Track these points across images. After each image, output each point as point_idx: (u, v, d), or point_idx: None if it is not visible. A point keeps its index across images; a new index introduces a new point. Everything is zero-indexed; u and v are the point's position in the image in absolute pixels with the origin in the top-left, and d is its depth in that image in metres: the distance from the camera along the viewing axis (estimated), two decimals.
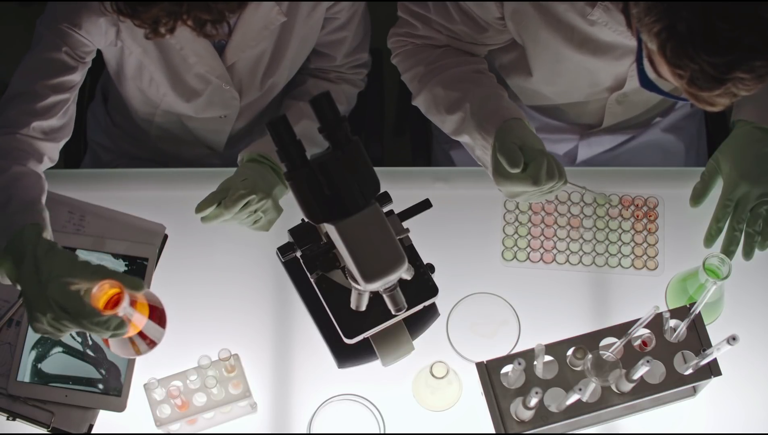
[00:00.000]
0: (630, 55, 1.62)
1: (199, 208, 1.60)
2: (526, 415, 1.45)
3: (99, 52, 1.70)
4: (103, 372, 1.63)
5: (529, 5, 1.59)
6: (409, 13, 1.72)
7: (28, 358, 1.62)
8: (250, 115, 1.88)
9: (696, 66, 1.24)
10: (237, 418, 1.63)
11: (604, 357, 1.45)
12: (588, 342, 1.49)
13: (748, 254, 1.67)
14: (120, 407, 1.61)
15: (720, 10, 1.22)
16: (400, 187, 1.52)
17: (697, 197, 1.72)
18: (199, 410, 1.57)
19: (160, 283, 1.70)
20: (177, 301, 1.69)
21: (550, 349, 1.49)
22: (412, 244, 1.52)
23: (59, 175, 1.80)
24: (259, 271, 1.71)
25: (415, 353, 1.55)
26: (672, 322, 1.50)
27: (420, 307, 1.49)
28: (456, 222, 1.74)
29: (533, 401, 1.39)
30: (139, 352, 1.48)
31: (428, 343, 1.60)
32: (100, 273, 1.40)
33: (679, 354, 1.49)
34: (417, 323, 1.56)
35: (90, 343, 1.65)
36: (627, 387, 1.47)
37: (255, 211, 1.64)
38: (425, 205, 1.49)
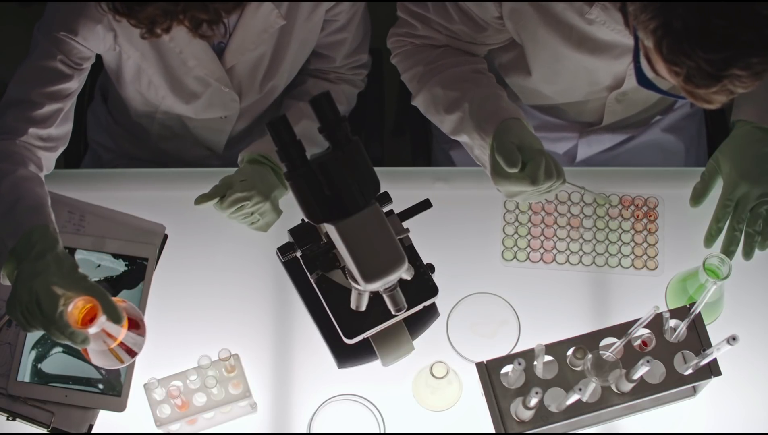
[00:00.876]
0: (628, 54, 1.62)
1: (198, 201, 1.61)
2: (526, 415, 1.45)
3: (98, 55, 1.70)
4: (103, 372, 1.63)
5: (528, 4, 1.59)
6: (409, 13, 1.72)
7: (28, 358, 1.62)
8: (250, 117, 1.89)
9: (692, 63, 1.24)
10: (237, 418, 1.63)
11: (604, 357, 1.45)
12: (588, 342, 1.49)
13: (748, 254, 1.67)
14: (120, 407, 1.61)
15: (716, 7, 1.21)
16: (400, 187, 1.52)
17: (697, 197, 1.72)
18: (199, 410, 1.57)
19: (160, 283, 1.70)
20: (177, 301, 1.69)
21: (550, 349, 1.49)
22: (412, 244, 1.52)
23: (59, 175, 1.80)
24: (259, 271, 1.71)
25: (415, 353, 1.55)
26: (672, 322, 1.50)
27: (420, 307, 1.49)
28: (456, 222, 1.74)
29: (533, 401, 1.39)
30: (122, 362, 1.50)
31: (428, 343, 1.60)
32: (91, 291, 1.42)
33: (679, 354, 1.49)
34: (417, 323, 1.56)
35: None
36: (627, 387, 1.47)
37: (252, 214, 1.64)
38: (425, 205, 1.49)
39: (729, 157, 1.69)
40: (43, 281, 1.41)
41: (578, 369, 1.49)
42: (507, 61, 1.81)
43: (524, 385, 1.48)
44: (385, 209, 1.44)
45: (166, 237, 1.73)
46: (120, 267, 1.70)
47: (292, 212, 1.55)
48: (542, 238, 1.74)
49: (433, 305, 1.57)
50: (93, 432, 1.62)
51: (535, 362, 1.47)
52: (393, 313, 1.40)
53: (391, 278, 1.34)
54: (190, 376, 1.56)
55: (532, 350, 1.48)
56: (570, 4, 1.56)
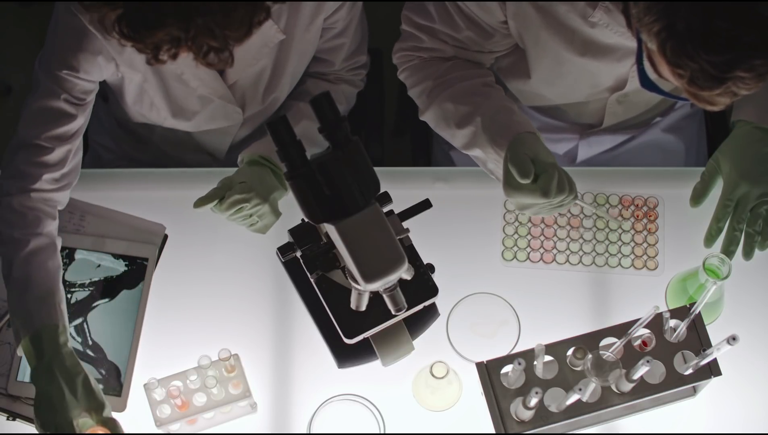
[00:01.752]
0: (631, 57, 1.62)
1: (197, 204, 1.61)
2: (526, 415, 1.45)
3: None
4: (103, 372, 1.63)
5: (531, 7, 1.59)
6: (414, 26, 1.70)
7: None
8: (253, 125, 1.88)
9: (696, 65, 1.24)
10: (237, 418, 1.63)
11: (604, 357, 1.45)
12: (588, 342, 1.49)
13: (748, 254, 1.67)
14: (120, 407, 1.61)
15: (719, 9, 1.21)
16: (400, 187, 1.52)
17: (697, 197, 1.72)
18: (199, 410, 1.57)
19: (160, 283, 1.70)
20: (177, 301, 1.69)
21: (550, 349, 1.49)
22: (412, 244, 1.52)
23: None
24: (259, 271, 1.71)
25: (415, 353, 1.55)
26: (672, 322, 1.50)
27: (420, 307, 1.49)
28: (456, 222, 1.74)
29: (533, 401, 1.39)
30: None
31: (428, 343, 1.60)
32: (105, 421, 1.50)
33: (679, 354, 1.49)
34: (417, 323, 1.56)
35: (90, 343, 1.65)
36: (627, 387, 1.47)
37: (251, 216, 1.64)
38: (425, 205, 1.49)
39: (729, 157, 1.69)
40: (62, 415, 1.48)
41: (578, 369, 1.49)
42: (506, 65, 1.81)
43: (524, 385, 1.48)
44: (385, 209, 1.44)
45: (166, 237, 1.73)
46: (120, 267, 1.70)
47: (292, 212, 1.55)
48: (542, 237, 1.74)
49: (433, 305, 1.57)
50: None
51: (535, 362, 1.47)
52: (393, 313, 1.40)
53: (391, 278, 1.34)
54: (190, 376, 1.56)
55: (532, 350, 1.48)
56: (573, 7, 1.56)
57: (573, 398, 1.39)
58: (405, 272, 1.36)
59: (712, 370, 1.48)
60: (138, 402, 1.61)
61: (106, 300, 1.68)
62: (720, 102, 1.30)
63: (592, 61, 1.64)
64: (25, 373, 1.62)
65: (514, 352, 1.59)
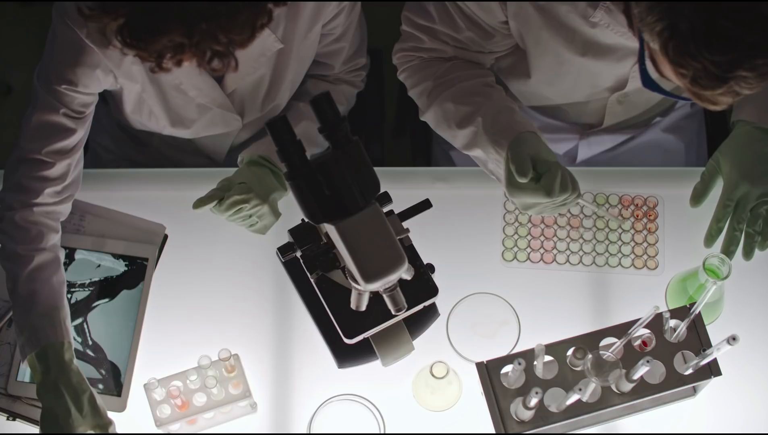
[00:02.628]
0: (632, 57, 1.62)
1: (196, 205, 1.61)
2: (526, 415, 1.45)
3: None
4: (103, 372, 1.63)
5: (531, 7, 1.59)
6: (414, 27, 1.70)
7: None
8: (252, 129, 1.88)
9: (698, 64, 1.24)
10: (237, 418, 1.63)
11: (604, 357, 1.45)
12: (588, 342, 1.49)
13: (748, 254, 1.67)
14: (120, 407, 1.62)
15: (722, 8, 1.21)
16: (400, 187, 1.52)
17: (698, 197, 1.72)
18: (199, 410, 1.57)
19: (160, 283, 1.70)
20: (177, 301, 1.69)
21: (550, 349, 1.49)
22: (412, 244, 1.52)
23: None
24: (259, 271, 1.71)
25: (415, 353, 1.55)
26: (672, 322, 1.50)
27: (420, 307, 1.49)
28: (456, 222, 1.74)
29: (533, 401, 1.39)
30: None
31: (428, 343, 1.60)
32: (105, 429, 1.52)
33: (679, 354, 1.49)
34: (417, 323, 1.56)
35: (90, 343, 1.65)
36: (627, 387, 1.47)
37: (250, 216, 1.64)
38: (425, 205, 1.49)
39: (729, 157, 1.69)
40: (68, 431, 1.50)
41: (578, 369, 1.49)
42: (506, 66, 1.80)
43: (524, 385, 1.48)
44: (385, 209, 1.44)
45: (166, 237, 1.73)
46: (120, 267, 1.70)
47: (292, 212, 1.55)
48: (542, 238, 1.74)
49: (433, 305, 1.57)
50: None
51: (535, 362, 1.47)
52: (393, 313, 1.40)
53: (391, 278, 1.34)
54: (190, 376, 1.56)
55: (532, 350, 1.48)
56: (574, 7, 1.56)
57: (573, 398, 1.39)
58: (405, 272, 1.36)
59: (712, 370, 1.48)
60: (138, 402, 1.61)
61: (106, 300, 1.68)
62: (722, 101, 1.30)
63: (592, 61, 1.64)
64: (25, 373, 1.62)
65: (514, 352, 1.59)
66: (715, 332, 1.53)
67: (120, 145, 1.98)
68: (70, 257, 1.69)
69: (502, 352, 1.56)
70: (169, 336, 1.67)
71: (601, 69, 1.67)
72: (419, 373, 1.61)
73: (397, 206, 1.47)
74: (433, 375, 1.51)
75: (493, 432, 1.48)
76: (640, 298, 1.68)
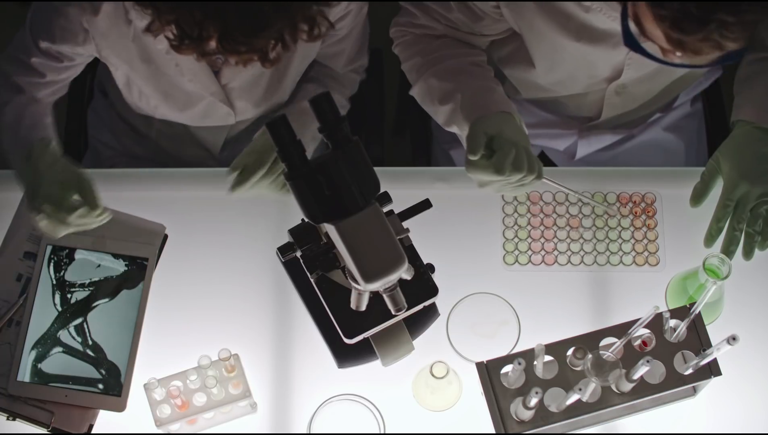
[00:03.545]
0: None
1: (236, 186, 1.58)
2: (526, 415, 1.45)
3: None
4: (103, 372, 1.63)
5: None
6: (410, 2, 1.73)
7: (28, 358, 1.62)
8: (248, 122, 1.88)
9: (677, 4, 1.23)
10: (237, 418, 1.63)
11: (604, 357, 1.45)
12: (588, 342, 1.49)
13: (748, 254, 1.67)
14: (120, 407, 1.62)
15: None
16: (400, 187, 1.52)
17: (698, 197, 1.72)
18: (199, 410, 1.57)
19: (160, 283, 1.70)
20: (177, 301, 1.69)
21: (550, 349, 1.49)
22: (412, 244, 1.52)
23: None
24: (259, 271, 1.71)
25: (415, 353, 1.55)
26: (672, 322, 1.50)
27: (420, 307, 1.49)
28: (456, 222, 1.74)
29: (533, 401, 1.39)
30: None
31: (428, 343, 1.60)
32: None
33: (679, 354, 1.49)
34: (417, 323, 1.56)
35: (90, 343, 1.65)
36: (627, 387, 1.47)
37: (275, 179, 1.63)
38: (425, 205, 1.49)
39: (729, 157, 1.70)
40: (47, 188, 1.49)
41: (578, 369, 1.49)
42: (506, 54, 1.81)
43: (524, 385, 1.48)
44: (385, 209, 1.44)
45: (166, 237, 1.73)
46: (120, 267, 1.70)
47: (292, 212, 1.55)
48: (542, 239, 1.74)
49: (433, 305, 1.57)
50: (93, 432, 1.62)
51: (535, 362, 1.47)
52: (393, 313, 1.40)
53: (391, 278, 1.34)
54: (190, 376, 1.56)
55: (532, 350, 1.48)
56: None
57: (573, 398, 1.39)
58: (405, 272, 1.36)
59: (712, 370, 1.48)
60: (138, 402, 1.61)
61: (106, 300, 1.68)
62: (704, 51, 1.28)
63: (587, 47, 1.64)
64: (25, 373, 1.62)
65: (514, 352, 1.59)
66: (715, 332, 1.53)
67: (119, 138, 1.98)
68: (70, 257, 1.69)
69: (502, 352, 1.56)
70: (169, 336, 1.67)
71: (596, 55, 1.67)
72: (419, 373, 1.61)
73: (397, 206, 1.47)
74: (433, 375, 1.51)
75: (493, 432, 1.48)
76: (640, 297, 1.68)
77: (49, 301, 1.66)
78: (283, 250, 1.47)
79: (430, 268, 1.51)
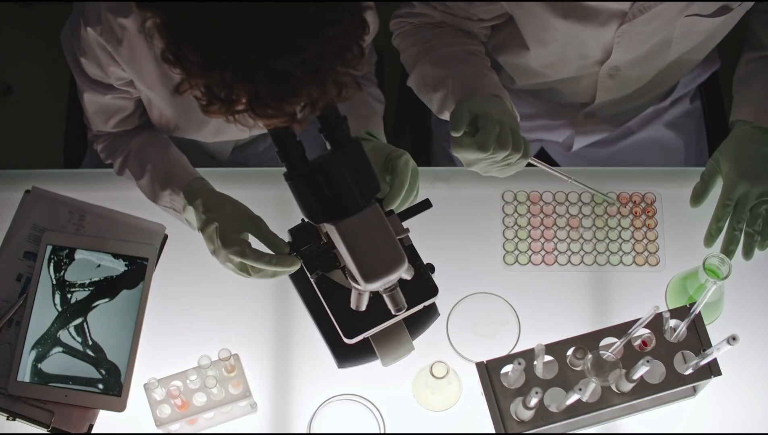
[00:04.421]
0: (614, 20, 1.61)
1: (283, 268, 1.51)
2: (526, 415, 1.45)
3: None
4: (103, 372, 1.63)
5: None
6: None
7: (28, 358, 1.62)
8: (258, 132, 1.87)
9: None
10: (237, 418, 1.63)
11: (604, 357, 1.45)
12: (588, 342, 1.49)
13: (747, 254, 1.67)
14: (120, 407, 1.62)
15: None
16: None
17: (698, 197, 1.72)
18: (199, 410, 1.57)
19: (160, 283, 1.70)
20: (177, 301, 1.69)
21: (550, 349, 1.49)
22: (412, 244, 1.52)
23: (59, 175, 1.80)
24: None
25: (415, 353, 1.55)
26: (672, 322, 1.50)
27: (420, 307, 1.49)
28: (456, 222, 1.74)
29: (533, 401, 1.39)
30: None
31: (428, 343, 1.60)
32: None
33: (679, 354, 1.49)
34: (417, 323, 1.56)
35: (90, 343, 1.65)
36: (627, 387, 1.47)
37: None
38: (425, 205, 1.49)
39: (729, 156, 1.70)
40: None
41: (578, 369, 1.49)
42: (499, 41, 1.81)
43: (524, 385, 1.48)
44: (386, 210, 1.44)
45: (166, 237, 1.73)
46: (120, 267, 1.70)
47: (292, 212, 1.55)
48: (542, 239, 1.74)
49: (433, 305, 1.57)
50: (93, 432, 1.62)
51: (535, 362, 1.47)
52: (393, 313, 1.40)
53: (391, 278, 1.34)
54: (190, 376, 1.56)
55: (532, 350, 1.48)
56: None
57: (573, 398, 1.39)
58: (405, 272, 1.36)
59: (712, 370, 1.48)
60: (138, 402, 1.61)
61: (106, 300, 1.68)
62: None
63: (576, 26, 1.63)
64: (25, 373, 1.62)
65: (514, 352, 1.59)
66: (715, 332, 1.53)
67: None
68: (70, 257, 1.69)
69: (502, 352, 1.56)
70: (169, 336, 1.67)
71: (586, 34, 1.65)
72: (419, 373, 1.61)
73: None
74: (433, 375, 1.51)
75: (493, 432, 1.48)
76: (640, 297, 1.68)
77: (49, 301, 1.66)
78: None
79: (430, 268, 1.51)
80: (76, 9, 1.54)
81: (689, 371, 1.48)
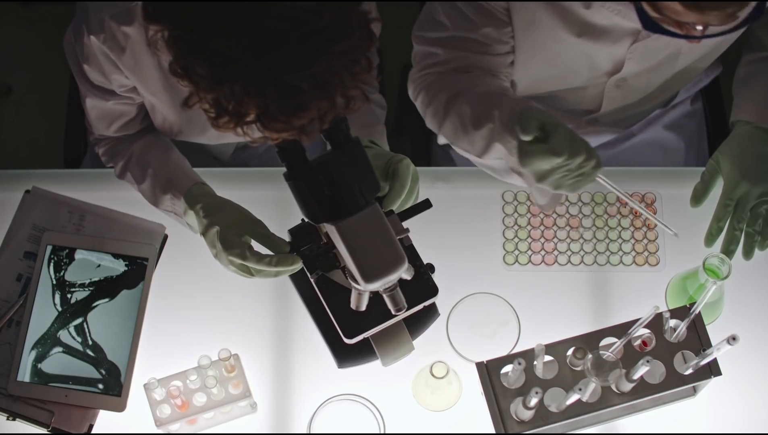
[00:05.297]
0: (627, 38, 1.61)
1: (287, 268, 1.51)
2: (526, 415, 1.45)
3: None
4: (103, 372, 1.63)
5: None
6: (427, 42, 1.67)
7: (28, 358, 1.62)
8: None
9: None
10: (237, 418, 1.63)
11: (604, 357, 1.45)
12: (588, 342, 1.49)
13: (748, 254, 1.67)
14: (120, 407, 1.62)
15: None
16: None
17: (698, 197, 1.72)
18: (199, 410, 1.57)
19: (160, 283, 1.70)
20: (177, 301, 1.69)
21: (550, 349, 1.49)
22: (412, 244, 1.52)
23: (59, 175, 1.81)
24: None
25: (415, 353, 1.55)
26: (672, 322, 1.50)
27: (420, 307, 1.49)
28: (456, 222, 1.74)
29: (533, 401, 1.39)
30: None
31: (428, 343, 1.60)
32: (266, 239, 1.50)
33: (679, 354, 1.49)
34: (417, 323, 1.56)
35: (90, 343, 1.65)
36: (627, 387, 1.47)
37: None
38: (425, 205, 1.49)
39: (729, 156, 1.70)
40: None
41: (578, 369, 1.49)
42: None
43: (524, 385, 1.48)
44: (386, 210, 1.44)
45: (166, 237, 1.73)
46: (120, 267, 1.70)
47: (292, 212, 1.55)
48: (542, 239, 1.74)
49: (433, 305, 1.57)
50: (93, 432, 1.62)
51: (535, 362, 1.47)
52: (393, 313, 1.40)
53: (391, 278, 1.34)
54: (190, 376, 1.56)
55: (532, 350, 1.48)
56: None
57: (573, 398, 1.39)
58: (405, 272, 1.36)
59: (712, 370, 1.48)
60: (138, 402, 1.61)
61: (106, 300, 1.68)
62: (723, 7, 1.25)
63: (588, 43, 1.63)
64: (25, 373, 1.62)
65: (514, 352, 1.59)
66: (715, 332, 1.53)
67: None
68: (70, 257, 1.69)
69: (502, 352, 1.56)
70: (169, 336, 1.67)
71: (597, 51, 1.65)
72: (419, 373, 1.61)
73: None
74: (433, 375, 1.51)
75: (493, 432, 1.48)
76: (640, 297, 1.68)
77: (49, 301, 1.66)
78: None
79: (430, 268, 1.51)
80: (79, 15, 1.53)
81: (689, 371, 1.48)
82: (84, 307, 1.67)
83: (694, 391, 1.58)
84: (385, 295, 1.38)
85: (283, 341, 1.67)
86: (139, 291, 1.68)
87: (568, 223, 1.75)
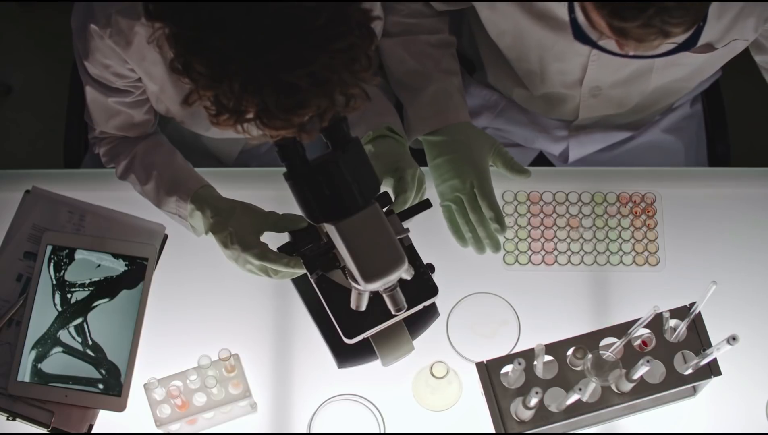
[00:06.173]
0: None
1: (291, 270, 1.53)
2: (526, 415, 1.45)
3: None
4: (103, 372, 1.63)
5: None
6: None
7: (28, 358, 1.62)
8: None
9: None
10: (237, 418, 1.63)
11: (604, 357, 1.45)
12: (588, 342, 1.49)
13: (492, 241, 1.64)
14: (120, 407, 1.62)
15: None
16: None
17: (457, 234, 1.67)
18: (199, 410, 1.57)
19: (160, 283, 1.70)
20: (177, 301, 1.69)
21: (550, 349, 1.49)
22: (412, 244, 1.52)
23: (59, 175, 1.80)
24: None
25: (415, 353, 1.55)
26: (672, 322, 1.50)
27: (420, 307, 1.49)
28: None
29: (533, 401, 1.39)
30: None
31: (428, 343, 1.60)
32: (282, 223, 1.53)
33: (679, 354, 1.49)
34: (417, 323, 1.56)
35: (90, 343, 1.65)
36: (627, 387, 1.47)
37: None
38: (425, 205, 1.49)
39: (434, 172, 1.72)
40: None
41: (578, 369, 1.49)
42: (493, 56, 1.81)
43: (524, 385, 1.48)
44: (385, 209, 1.44)
45: (166, 237, 1.73)
46: (120, 267, 1.70)
47: (293, 212, 1.55)
48: (542, 239, 1.74)
49: (433, 305, 1.57)
50: (93, 432, 1.62)
51: (535, 362, 1.47)
52: (393, 313, 1.40)
53: (391, 278, 1.34)
54: (190, 376, 1.56)
55: (532, 350, 1.48)
56: None
57: (573, 398, 1.39)
58: (405, 272, 1.36)
59: (712, 370, 1.48)
60: (138, 402, 1.61)
61: (106, 300, 1.68)
62: (648, 39, 1.25)
63: (550, 34, 1.62)
64: (25, 373, 1.62)
65: (514, 352, 1.59)
66: (715, 332, 1.53)
67: None
68: (70, 257, 1.69)
69: (502, 352, 1.56)
70: (169, 336, 1.67)
71: (560, 45, 1.64)
72: (419, 373, 1.61)
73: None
74: (433, 375, 1.51)
75: (493, 432, 1.48)
76: (640, 297, 1.68)
77: (49, 301, 1.66)
78: (283, 250, 1.47)
79: (430, 268, 1.51)
80: (84, 9, 1.53)
81: (689, 371, 1.48)
82: (84, 307, 1.67)
83: (694, 391, 1.58)
84: (385, 295, 1.38)
85: (283, 341, 1.67)
86: (139, 291, 1.68)
87: (568, 223, 1.75)
